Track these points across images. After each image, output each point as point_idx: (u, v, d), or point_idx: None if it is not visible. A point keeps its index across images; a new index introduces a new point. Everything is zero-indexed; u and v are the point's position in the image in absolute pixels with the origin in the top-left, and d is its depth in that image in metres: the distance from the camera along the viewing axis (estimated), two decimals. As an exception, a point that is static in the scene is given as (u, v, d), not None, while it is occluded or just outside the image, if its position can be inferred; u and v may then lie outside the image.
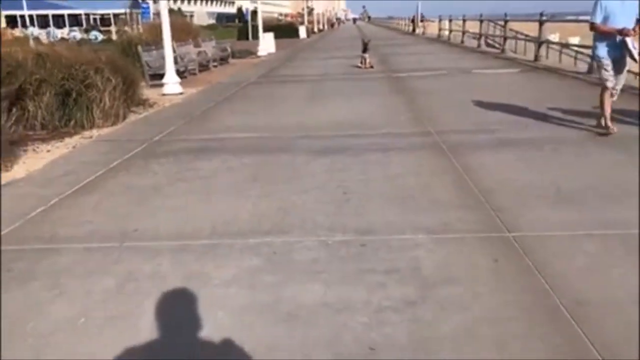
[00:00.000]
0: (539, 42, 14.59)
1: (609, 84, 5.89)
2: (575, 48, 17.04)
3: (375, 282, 2.85)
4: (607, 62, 5.86)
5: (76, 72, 7.62)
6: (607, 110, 5.93)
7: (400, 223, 3.65)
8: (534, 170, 4.72)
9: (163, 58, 13.51)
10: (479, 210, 3.84)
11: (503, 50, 17.86)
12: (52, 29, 42.35)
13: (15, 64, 7.26)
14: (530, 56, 15.32)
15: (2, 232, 3.79)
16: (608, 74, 5.89)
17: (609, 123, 5.87)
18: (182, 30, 18.27)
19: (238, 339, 2.40)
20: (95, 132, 7.39)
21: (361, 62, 14.72)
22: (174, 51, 13.27)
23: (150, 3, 27.27)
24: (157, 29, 16.50)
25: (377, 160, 5.32)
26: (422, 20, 40.90)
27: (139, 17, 51.15)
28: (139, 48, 12.84)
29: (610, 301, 2.58)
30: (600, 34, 5.91)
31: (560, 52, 18.74)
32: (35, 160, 5.99)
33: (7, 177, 5.32)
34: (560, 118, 6.84)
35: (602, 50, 5.89)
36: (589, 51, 12.04)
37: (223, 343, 2.38)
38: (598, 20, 5.85)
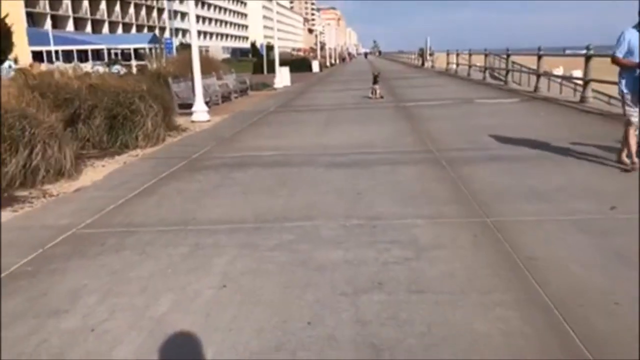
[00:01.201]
0: (538, 74, 15.68)
1: (634, 119, 5.75)
2: (575, 80, 18.09)
3: (383, 248, 3.81)
4: (630, 97, 5.75)
5: (123, 99, 8.77)
6: (633, 146, 5.77)
7: (403, 213, 4.63)
8: (515, 178, 5.69)
9: (190, 89, 14.81)
10: (466, 205, 4.81)
11: (506, 82, 18.98)
12: (77, 63, 44.33)
13: (72, 92, 8.40)
14: (532, 88, 16.38)
15: (88, 221, 4.82)
16: (632, 109, 5.76)
17: (635, 159, 5.74)
18: (205, 64, 19.64)
19: (283, 280, 3.37)
20: (139, 152, 8.49)
21: (372, 93, 15.86)
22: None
23: (174, 38, 28.80)
24: (181, 63, 17.93)
25: (385, 171, 6.32)
26: (430, 54, 42.40)
27: (158, 51, 53.13)
28: (169, 80, 14.07)
29: (554, 258, 3.52)
30: (621, 67, 5.83)
31: (561, 84, 19.83)
32: (94, 172, 7.07)
33: (75, 185, 6.38)
34: (547, 138, 7.81)
35: (625, 84, 5.79)
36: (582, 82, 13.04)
37: (274, 283, 3.35)
38: (620, 54, 5.72)
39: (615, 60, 5.86)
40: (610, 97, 17.57)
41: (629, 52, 5.66)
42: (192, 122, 12.03)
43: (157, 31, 74.64)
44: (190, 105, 13.29)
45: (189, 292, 3.28)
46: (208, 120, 12.21)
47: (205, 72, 17.85)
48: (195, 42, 12.66)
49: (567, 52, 21.24)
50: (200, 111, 12.33)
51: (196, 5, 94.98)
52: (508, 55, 19.27)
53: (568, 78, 17.76)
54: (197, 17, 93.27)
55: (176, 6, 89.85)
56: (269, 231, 4.31)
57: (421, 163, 6.71)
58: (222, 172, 6.71)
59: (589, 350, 2.46)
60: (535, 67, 16.05)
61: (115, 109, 8.60)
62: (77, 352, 2.66)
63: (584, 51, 12.28)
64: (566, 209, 4.56)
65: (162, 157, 7.98)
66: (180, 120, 11.60)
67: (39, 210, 5.37)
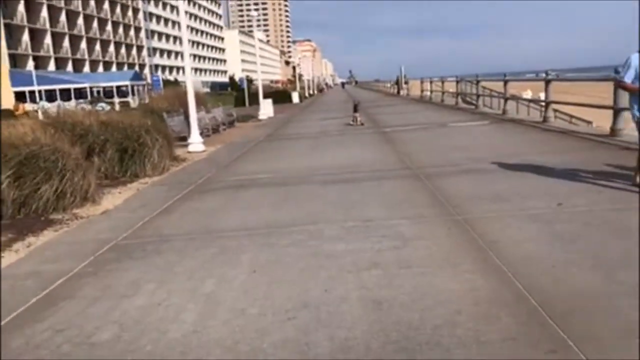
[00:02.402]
0: (505, 98, 17.00)
1: None
2: (542, 103, 19.49)
3: (376, 240, 4.76)
4: None
5: (131, 134, 9.68)
6: None
7: (390, 215, 5.60)
8: (482, 186, 6.71)
9: (182, 123, 15.79)
10: (441, 207, 5.79)
11: (477, 107, 20.31)
12: (60, 102, 45.01)
13: (86, 128, 9.29)
14: (501, 111, 17.66)
15: (124, 235, 5.68)
16: None
17: None
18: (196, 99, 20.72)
19: (300, 266, 4.28)
20: (148, 180, 9.36)
21: (353, 120, 16.98)
22: (188, 117, 15.52)
23: (157, 74, 29.84)
24: (170, 98, 18.92)
25: (372, 185, 7.31)
26: (405, 83, 44.16)
27: (142, 88, 54.20)
28: (164, 115, 15.02)
29: (510, 240, 4.51)
30: (626, 91, 5.96)
31: (528, 106, 21.26)
32: (114, 198, 7.92)
33: (100, 208, 7.23)
34: (510, 154, 8.90)
35: (638, 109, 5.84)
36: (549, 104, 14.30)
37: (293, 268, 4.25)
38: (628, 79, 5.78)
39: (621, 85, 6.08)
40: (571, 116, 19.05)
41: (637, 78, 5.73)
42: (189, 152, 12.94)
43: (137, 68, 75.81)
44: (184, 138, 14.23)
45: (226, 277, 4.17)
46: (204, 151, 13.13)
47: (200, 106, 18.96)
48: (190, 80, 13.68)
49: (527, 76, 22.66)
50: (196, 142, 13.26)
51: (174, 42, 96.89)
52: (478, 81, 20.65)
53: (531, 100, 19.20)
54: (176, 53, 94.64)
55: (155, 44, 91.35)
56: (281, 234, 5.23)
57: (402, 178, 7.71)
58: (227, 193, 7.63)
59: (531, 295, 3.40)
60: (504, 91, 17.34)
61: (125, 142, 9.50)
62: (152, 317, 3.53)
63: (544, 75, 13.56)
64: (522, 206, 5.57)
65: (170, 184, 8.86)
66: (178, 152, 12.50)
67: (77, 229, 6.22)
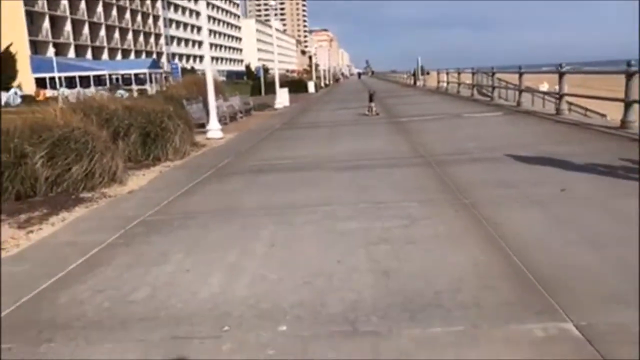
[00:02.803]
0: (520, 90, 17.14)
1: None
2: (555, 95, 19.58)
3: (386, 220, 5.09)
4: None
5: (154, 119, 10.08)
6: None
7: (400, 199, 5.92)
8: (490, 174, 6.99)
9: (201, 110, 16.19)
10: (450, 193, 6.10)
11: (492, 98, 20.44)
12: (80, 89, 45.79)
13: (111, 113, 9.70)
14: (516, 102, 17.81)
15: (150, 212, 6.07)
16: None
17: None
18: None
19: (315, 241, 4.63)
20: (170, 164, 9.76)
21: (368, 110, 17.23)
22: (207, 104, 15.93)
23: (179, 63, 30.33)
24: (189, 86, 19.31)
25: (384, 172, 7.62)
26: (427, 73, 44.18)
27: (159, 76, 54.78)
28: (184, 102, 15.41)
29: (512, 221, 4.80)
30: None
31: (543, 99, 21.34)
32: (138, 180, 8.33)
33: (126, 189, 7.64)
34: (521, 144, 9.15)
35: None
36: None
37: (310, 243, 4.60)
38: None
39: None
40: (586, 109, 19.11)
41: None
42: (208, 139, 13.32)
43: (154, 56, 76.52)
44: (202, 125, 14.63)
45: (248, 249, 4.54)
46: (222, 138, 13.51)
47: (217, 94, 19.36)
48: (209, 68, 14.06)
49: (544, 69, 22.68)
50: (214, 129, 13.65)
51: (192, 31, 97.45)
52: (493, 73, 20.75)
53: (545, 93, 19.27)
54: (193, 41, 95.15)
55: (172, 32, 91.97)
56: (298, 214, 5.58)
57: (414, 166, 8.01)
58: (247, 177, 7.99)
59: (528, 269, 3.70)
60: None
61: (148, 127, 9.90)
62: (182, 281, 3.90)
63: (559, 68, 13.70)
64: (527, 192, 5.85)
65: (191, 167, 9.26)
66: (197, 138, 12.88)
67: (107, 207, 6.64)
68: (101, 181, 7.47)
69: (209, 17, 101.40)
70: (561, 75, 13.42)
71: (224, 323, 3.18)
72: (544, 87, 27.30)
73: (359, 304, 3.32)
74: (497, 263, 3.88)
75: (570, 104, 19.93)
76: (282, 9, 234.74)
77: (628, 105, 10.04)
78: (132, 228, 5.46)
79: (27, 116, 7.47)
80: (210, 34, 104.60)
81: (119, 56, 71.03)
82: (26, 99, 40.35)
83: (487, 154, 8.53)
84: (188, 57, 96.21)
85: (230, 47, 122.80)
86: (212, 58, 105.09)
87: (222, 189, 7.22)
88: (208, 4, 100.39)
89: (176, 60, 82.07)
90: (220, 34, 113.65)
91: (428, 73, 44.43)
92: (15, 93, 42.25)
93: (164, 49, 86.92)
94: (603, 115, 16.67)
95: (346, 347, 2.82)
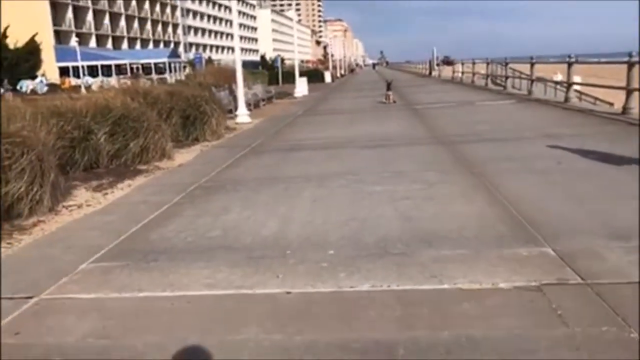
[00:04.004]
0: (531, 79, 17.90)
1: None
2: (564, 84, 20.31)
3: (407, 184, 6.06)
4: None
5: (193, 103, 11.10)
6: None
7: (419, 169, 6.88)
8: (497, 151, 7.91)
9: (227, 97, 17.18)
10: (462, 165, 7.04)
11: (505, 87, 21.20)
12: (103, 77, 47.16)
13: (155, 97, 10.73)
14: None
15: (204, 179, 7.09)
16: None
17: None
18: (234, 76, 22.17)
19: (348, 199, 5.61)
20: (208, 144, 10.80)
21: (385, 98, 18.13)
22: (233, 92, 16.98)
23: (202, 53, 31.35)
24: (215, 74, 20.31)
25: (404, 149, 8.58)
26: (437, 65, 44.78)
27: (182, 65, 55.80)
28: (213, 89, 16.43)
29: (512, 185, 5.74)
30: None
31: (555, 88, 22.03)
32: (183, 156, 9.37)
33: (175, 163, 8.68)
34: (527, 127, 10.03)
35: None
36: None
37: (343, 200, 5.58)
38: None
39: None
40: (596, 98, 19.82)
41: None
42: (237, 123, 14.34)
43: (172, 45, 77.72)
44: (230, 111, 15.64)
45: (294, 204, 5.55)
46: (250, 122, 14.53)
47: (235, 83, 20.37)
48: (239, 59, 15.06)
49: (551, 60, 23.31)
50: (243, 114, 14.67)
51: (208, 20, 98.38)
52: (507, 64, 21.50)
53: (556, 82, 20.01)
54: (209, 31, 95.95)
55: (189, 22, 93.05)
56: (331, 180, 6.57)
57: (430, 145, 8.96)
58: (281, 154, 9.00)
59: (521, 215, 4.65)
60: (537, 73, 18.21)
61: (188, 110, 10.93)
62: (245, 225, 4.91)
63: (567, 59, 14.47)
64: (529, 165, 6.77)
65: (228, 146, 10.29)
66: (227, 123, 13.92)
67: (163, 176, 7.69)
68: (154, 156, 8.52)
69: (225, 7, 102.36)
70: (569, 65, 14.19)
71: (286, 249, 4.18)
72: (558, 77, 27.91)
73: (388, 237, 4.30)
74: (497, 212, 4.84)
75: (581, 93, 20.65)
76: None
77: (629, 93, 10.85)
78: (191, 191, 6.49)
79: (92, 99, 8.51)
80: (226, 24, 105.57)
81: (138, 45, 72.31)
82: (52, 87, 41.71)
83: (496, 135, 9.44)
84: (205, 46, 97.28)
85: (246, 37, 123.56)
86: (229, 48, 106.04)
87: (261, 163, 8.24)
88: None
89: (195, 50, 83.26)
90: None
91: (450, 63, 44.44)
92: (41, 81, 43.63)
93: (181, 38, 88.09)
94: (611, 104, 17.37)
95: (380, 262, 3.81)
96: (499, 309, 3.03)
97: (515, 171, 6.48)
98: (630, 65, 10.72)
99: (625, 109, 10.91)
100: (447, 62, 46.27)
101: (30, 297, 3.56)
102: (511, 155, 7.51)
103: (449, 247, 4.00)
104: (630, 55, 10.87)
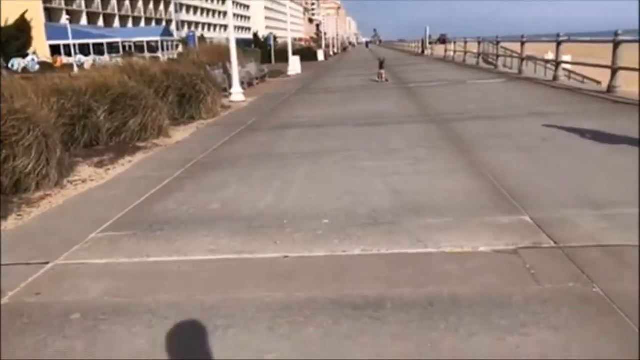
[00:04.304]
0: (521, 58, 18.13)
1: None
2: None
3: (397, 159, 6.33)
4: None
5: (189, 81, 11.27)
6: None
7: (408, 145, 7.15)
8: (486, 128, 8.18)
9: (221, 75, 17.28)
10: (451, 141, 7.32)
11: (496, 66, 21.41)
12: (95, 56, 46.78)
13: (152, 75, 10.88)
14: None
15: (201, 156, 7.33)
16: None
17: None
18: (229, 54, 22.22)
19: (340, 174, 5.89)
20: (203, 122, 11.00)
21: (378, 77, 18.31)
22: (227, 70, 17.11)
23: (195, 31, 31.19)
24: (208, 52, 20.33)
25: (395, 127, 8.84)
26: (430, 43, 44.78)
27: (170, 43, 55.38)
28: (207, 68, 16.52)
29: (499, 160, 6.03)
30: None
31: (545, 67, 22.25)
32: (180, 133, 9.59)
33: (172, 140, 8.91)
34: (515, 105, 10.31)
35: None
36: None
37: (337, 175, 5.86)
38: None
39: None
40: (584, 77, 20.08)
41: None
42: (231, 101, 14.52)
43: (164, 23, 76.93)
44: (224, 89, 15.77)
45: (289, 179, 5.81)
46: (244, 101, 14.71)
47: (229, 61, 20.44)
48: (233, 37, 15.15)
49: (543, 39, 23.49)
50: (237, 93, 14.84)
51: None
52: (498, 42, 21.68)
53: (546, 61, 20.25)
54: (202, 9, 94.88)
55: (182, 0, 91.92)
56: (324, 156, 6.83)
57: (421, 122, 9.22)
58: (276, 131, 9.23)
59: (504, 188, 4.94)
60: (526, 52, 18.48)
61: (184, 88, 11.11)
62: (243, 199, 5.18)
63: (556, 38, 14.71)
64: (515, 141, 7.05)
65: (224, 124, 10.50)
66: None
67: (162, 152, 7.93)
68: (152, 133, 8.73)
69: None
70: (558, 44, 14.43)
71: (283, 219, 4.47)
72: (549, 56, 28.09)
73: (378, 208, 4.59)
74: (481, 185, 5.14)
75: (570, 72, 20.88)
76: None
77: (614, 72, 11.12)
78: (190, 167, 6.74)
79: (90, 77, 8.67)
80: (218, 2, 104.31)
81: (129, 23, 71.55)
82: (44, 65, 41.42)
83: (486, 113, 9.71)
84: (197, 24, 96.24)
85: (238, 15, 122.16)
86: (221, 26, 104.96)
87: (256, 140, 8.48)
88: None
89: (187, 28, 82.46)
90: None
91: (445, 42, 44.26)
92: (33, 59, 43.25)
93: (173, 16, 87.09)
94: (598, 83, 17.63)
95: (370, 230, 4.10)
96: (478, 270, 3.33)
97: (501, 147, 6.77)
98: (616, 45, 10.97)
99: (610, 88, 11.19)
100: (443, 40, 46.13)
101: (46, 263, 3.83)
102: (498, 132, 7.79)
103: (434, 217, 4.30)
104: (616, 34, 11.11)
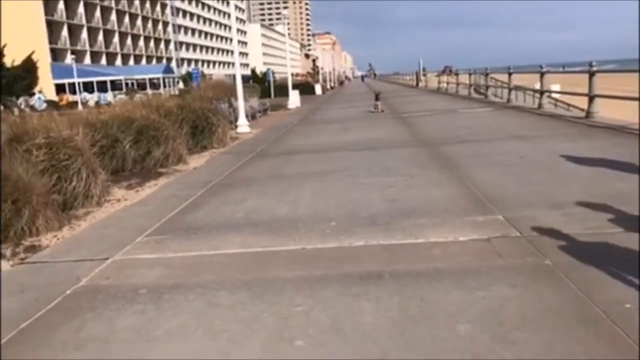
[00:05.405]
0: (509, 88, 19.28)
1: None
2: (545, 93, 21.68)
3: (393, 176, 7.23)
4: None
5: (201, 114, 12.28)
6: None
7: (403, 165, 8.08)
8: (471, 150, 9.11)
9: (226, 109, 18.33)
10: (440, 162, 8.26)
11: (486, 96, 22.58)
12: (99, 93, 48.25)
13: (168, 110, 11.89)
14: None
15: (218, 179, 8.25)
16: None
17: None
18: (232, 89, 23.42)
19: (343, 189, 6.79)
20: (215, 151, 11.96)
21: (374, 108, 19.40)
22: (232, 104, 18.19)
23: (199, 68, 32.52)
24: (213, 88, 21.48)
25: (391, 150, 9.79)
26: (424, 75, 46.34)
27: (171, 80, 56.87)
28: (214, 102, 17.61)
29: (478, 174, 6.95)
30: None
31: (533, 96, 23.41)
32: (195, 161, 10.53)
33: (190, 167, 9.84)
34: (500, 130, 11.29)
35: None
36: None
37: (339, 189, 6.76)
38: None
39: None
40: (569, 105, 21.21)
41: None
42: (238, 133, 15.52)
43: (164, 61, 79.04)
44: (230, 122, 16.81)
45: (298, 194, 6.71)
46: (250, 132, 15.72)
47: (232, 96, 21.60)
48: (239, 73, 16.31)
49: (527, 70, 24.72)
50: (243, 125, 15.87)
51: (199, 36, 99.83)
52: (487, 74, 22.91)
53: (533, 90, 21.41)
54: (201, 46, 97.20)
55: (181, 37, 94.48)
56: (328, 175, 7.75)
57: (414, 147, 10.18)
58: (282, 157, 10.19)
59: (483, 196, 5.84)
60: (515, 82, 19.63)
61: (197, 121, 12.11)
62: (262, 209, 6.08)
63: (539, 69, 15.83)
64: (495, 159, 7.99)
65: (235, 153, 11.46)
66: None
67: (183, 177, 8.84)
68: (172, 161, 9.66)
69: (216, 23, 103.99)
70: (542, 75, 15.55)
71: (297, 223, 5.35)
72: (537, 85, 29.38)
73: (377, 213, 5.48)
74: (464, 194, 6.04)
75: (556, 100, 22.06)
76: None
77: (591, 99, 12.17)
78: (211, 187, 7.65)
79: (115, 111, 9.66)
80: (217, 39, 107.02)
81: (131, 61, 73.57)
82: (50, 103, 42.73)
83: (472, 137, 10.69)
84: (196, 61, 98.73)
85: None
86: (220, 63, 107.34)
87: (266, 164, 9.42)
88: (216, 10, 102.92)
89: (186, 65, 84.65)
90: (227, 38, 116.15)
91: (451, 72, 45.57)
92: (39, 98, 44.60)
93: (173, 54, 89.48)
94: (583, 110, 18.71)
95: (371, 229, 4.98)
96: (458, 253, 4.21)
97: (483, 164, 7.70)
98: (591, 75, 12.05)
99: (588, 113, 12.21)
100: (449, 71, 47.62)
101: (107, 259, 4.70)
102: (482, 152, 8.73)
103: (424, 218, 5.19)
104: (590, 65, 12.20)
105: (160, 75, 58.47)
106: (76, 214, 6.47)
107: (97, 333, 3.27)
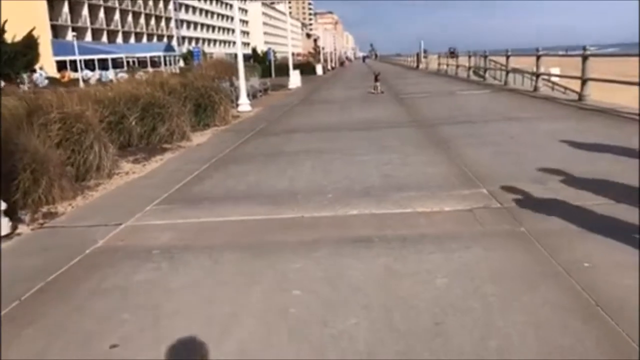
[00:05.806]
0: (507, 71, 19.54)
1: None
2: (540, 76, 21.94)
3: (390, 154, 7.62)
4: None
5: (204, 92, 12.60)
6: None
7: (400, 144, 8.45)
8: (466, 131, 9.49)
9: (229, 88, 18.63)
10: (435, 141, 8.63)
11: (485, 79, 22.83)
12: (101, 71, 48.32)
13: (172, 87, 12.20)
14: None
15: (221, 155, 8.62)
16: None
17: None
18: (233, 69, 23.65)
19: (343, 165, 7.17)
20: (217, 128, 12.31)
21: (374, 89, 19.68)
22: (233, 83, 18.47)
23: (199, 47, 32.67)
24: (214, 67, 21.73)
25: (388, 130, 10.15)
26: (424, 57, 46.40)
27: (172, 59, 56.84)
28: (216, 80, 17.89)
29: (471, 154, 7.33)
30: None
31: (531, 79, 23.66)
32: (199, 138, 10.88)
33: (193, 143, 10.20)
34: (495, 112, 11.64)
35: None
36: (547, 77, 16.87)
37: (339, 165, 7.14)
38: None
39: None
40: (566, 88, 21.48)
41: None
42: (239, 112, 15.84)
43: (165, 39, 78.79)
44: (231, 101, 17.11)
45: (298, 169, 7.10)
46: (251, 111, 16.04)
47: (233, 75, 21.85)
48: (240, 52, 16.53)
49: (525, 52, 24.91)
50: (244, 104, 16.18)
51: (200, 14, 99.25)
52: (486, 56, 23.13)
53: (531, 73, 21.65)
54: (202, 25, 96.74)
55: (182, 16, 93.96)
56: (327, 153, 8.12)
57: (411, 127, 10.54)
58: (283, 135, 10.55)
59: (472, 173, 6.23)
60: (513, 65, 19.93)
61: (199, 99, 12.43)
62: (263, 183, 6.47)
63: (536, 52, 16.10)
64: (487, 139, 8.36)
65: (236, 131, 11.81)
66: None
67: (187, 153, 9.22)
68: (176, 137, 10.03)
69: (218, 1, 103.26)
70: (538, 57, 15.82)
71: (297, 195, 5.75)
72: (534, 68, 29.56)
73: (371, 187, 5.88)
74: (454, 171, 6.43)
75: (553, 84, 22.34)
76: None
77: (584, 82, 12.49)
78: (213, 162, 8.03)
79: (122, 88, 10.00)
80: (218, 18, 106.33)
81: (132, 39, 73.41)
82: (51, 80, 42.86)
83: (467, 118, 11.04)
84: (197, 39, 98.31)
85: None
86: (221, 41, 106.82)
87: (267, 142, 9.78)
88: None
89: (187, 43, 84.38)
90: (228, 17, 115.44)
91: (425, 57, 46.00)
92: (41, 75, 44.71)
93: (174, 32, 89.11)
94: (577, 92, 19.00)
95: (364, 200, 5.37)
96: (442, 221, 4.62)
97: (475, 144, 8.07)
98: (584, 58, 12.35)
99: (580, 96, 12.54)
100: (453, 54, 47.61)
101: (120, 224, 5.10)
102: (475, 133, 9.11)
103: (414, 191, 5.59)
104: (584, 49, 12.50)
105: (161, 54, 58.48)
106: (88, 185, 6.86)
107: (118, 284, 3.68)
